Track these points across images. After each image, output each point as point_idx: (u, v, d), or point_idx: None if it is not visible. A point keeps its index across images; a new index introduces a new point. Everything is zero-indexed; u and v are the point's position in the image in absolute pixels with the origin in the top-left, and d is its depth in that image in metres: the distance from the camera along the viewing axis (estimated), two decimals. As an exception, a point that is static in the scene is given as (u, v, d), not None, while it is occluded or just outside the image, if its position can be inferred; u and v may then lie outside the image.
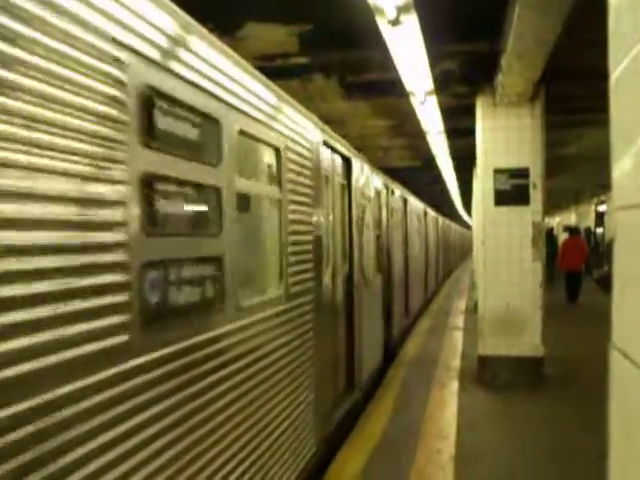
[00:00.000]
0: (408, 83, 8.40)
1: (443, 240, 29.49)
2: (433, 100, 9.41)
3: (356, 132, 13.13)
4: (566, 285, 18.83)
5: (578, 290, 18.59)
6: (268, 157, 4.97)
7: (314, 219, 5.96)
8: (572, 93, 10.06)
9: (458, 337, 13.37)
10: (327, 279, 6.76)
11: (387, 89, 9.43)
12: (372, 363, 9.18)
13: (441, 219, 28.75)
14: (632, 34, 1.34)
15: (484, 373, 9.22)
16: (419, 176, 20.82)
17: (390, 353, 11.15)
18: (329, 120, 8.88)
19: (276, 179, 4.98)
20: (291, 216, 5.16)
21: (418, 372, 10.05)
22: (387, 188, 11.61)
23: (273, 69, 8.23)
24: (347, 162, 8.04)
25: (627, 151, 1.38)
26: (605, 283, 18.86)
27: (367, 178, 9.23)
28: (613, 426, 1.57)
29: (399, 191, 13.51)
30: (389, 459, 6.28)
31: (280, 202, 4.98)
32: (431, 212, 22.75)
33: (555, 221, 39.45)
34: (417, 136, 12.97)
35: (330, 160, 7.09)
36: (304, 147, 5.65)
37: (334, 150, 7.24)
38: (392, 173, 13.81)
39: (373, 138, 14.40)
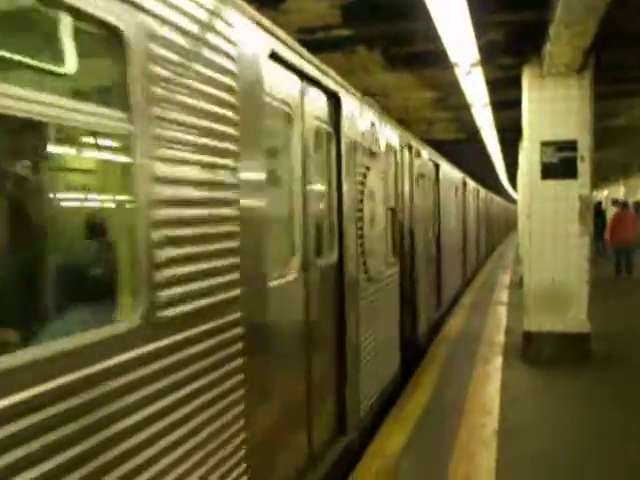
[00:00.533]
0: (453, 54, 8.23)
1: (485, 214, 27.53)
2: (478, 71, 9.22)
3: (400, 104, 12.97)
4: (616, 260, 18.48)
5: (630, 264, 18.24)
6: (79, 44, 2.48)
7: (246, 178, 3.52)
8: (623, 62, 9.77)
9: (502, 312, 13.22)
10: (290, 278, 4.44)
11: (431, 61, 9.28)
12: (379, 385, 6.91)
13: (483, 191, 26.68)
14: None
15: (529, 349, 9.10)
16: (463, 149, 20.56)
17: (414, 354, 9.10)
18: (372, 92, 8.79)
19: (115, 93, 2.63)
20: (164, 169, 2.74)
21: (461, 348, 9.98)
22: (410, 148, 9.18)
23: (315, 42, 8.14)
24: (335, 100, 5.49)
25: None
26: None
27: (373, 128, 6.73)
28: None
29: (427, 153, 10.99)
30: (432, 434, 6.26)
31: (128, 140, 2.61)
32: (471, 182, 20.53)
33: (603, 194, 38.66)
34: (462, 109, 12.76)
35: (296, 90, 4.62)
36: (216, 50, 3.26)
37: (304, 77, 4.72)
38: (436, 145, 13.62)
39: (417, 110, 14.22)
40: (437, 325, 11.66)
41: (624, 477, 5.36)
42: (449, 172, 14.17)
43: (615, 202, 20.75)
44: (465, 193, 18.03)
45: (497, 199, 38.93)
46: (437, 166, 12.24)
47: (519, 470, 5.45)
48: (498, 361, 9.01)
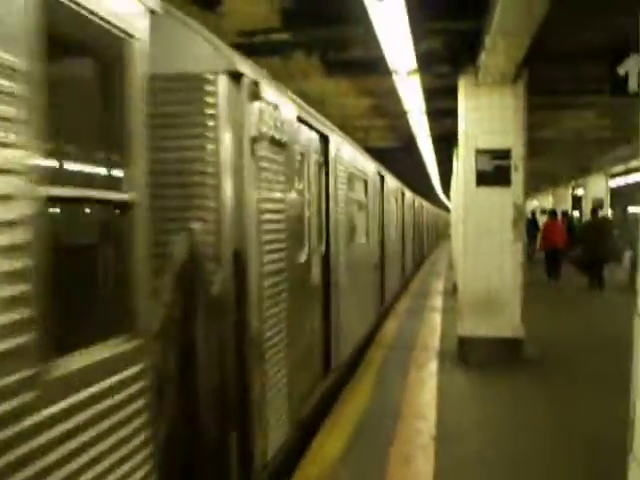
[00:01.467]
0: (391, 61, 8.29)
1: (413, 223, 23.35)
2: (416, 79, 9.31)
3: (337, 112, 13.01)
4: (546, 263, 19.98)
5: (559, 268, 19.70)
6: None
7: None
8: (553, 76, 10.03)
9: (437, 318, 13.36)
10: None
11: (369, 67, 9.33)
12: None
13: (410, 194, 21.87)
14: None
15: (463, 354, 9.20)
16: (399, 157, 20.77)
17: None
18: (310, 100, 8.77)
19: None
20: None
21: (397, 354, 10.02)
22: (234, 77, 4.41)
23: (253, 46, 8.08)
24: None
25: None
26: (579, 263, 20.22)
27: None
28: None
29: (307, 115, 6.46)
30: (369, 441, 6.24)
31: None
32: (393, 181, 15.78)
33: (532, 204, 39.66)
34: (398, 116, 12.89)
35: None
36: None
37: None
38: (372, 153, 13.71)
39: (354, 118, 14.30)
40: (325, 404, 7.13)
41: (558, 476, 5.46)
42: (352, 158, 9.24)
43: (543, 211, 22.30)
44: (384, 194, 13.62)
45: (427, 205, 37.71)
46: (325, 140, 7.46)
47: (457, 474, 5.47)
48: (433, 366, 9.07)
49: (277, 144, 5.10)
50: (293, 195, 5.67)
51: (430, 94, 10.69)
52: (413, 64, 8.46)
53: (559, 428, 6.50)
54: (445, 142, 16.32)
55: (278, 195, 5.17)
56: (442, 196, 45.21)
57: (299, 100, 6.22)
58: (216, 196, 4.22)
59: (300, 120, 6.09)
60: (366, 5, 5.97)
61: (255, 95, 4.67)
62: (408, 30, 6.93)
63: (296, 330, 5.76)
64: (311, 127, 6.71)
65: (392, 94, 10.44)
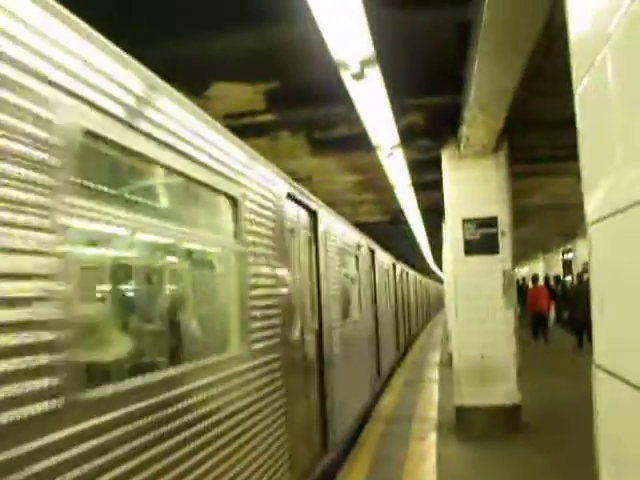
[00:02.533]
0: (374, 137, 8.51)
1: (395, 298, 19.81)
2: (399, 154, 9.53)
3: (325, 188, 13.24)
4: (532, 325, 21.28)
5: (546, 330, 20.96)
6: None
7: None
8: (533, 143, 10.29)
9: (434, 389, 13.25)
10: None
11: (354, 144, 9.54)
12: None
13: (383, 255, 16.81)
14: (593, 47, 1.38)
15: (461, 424, 9.12)
16: (389, 231, 20.96)
17: None
18: (297, 177, 8.96)
19: None
20: None
21: (395, 427, 9.91)
22: None
23: (240, 127, 8.30)
24: None
25: (598, 163, 1.41)
26: (570, 326, 20.77)
27: None
28: (602, 443, 1.56)
29: None
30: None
31: None
32: (335, 223, 9.34)
33: (524, 270, 39.82)
34: (385, 190, 13.10)
35: None
36: None
37: None
38: (361, 228, 13.86)
39: (342, 193, 14.52)
40: None
41: None
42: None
43: (532, 279, 22.93)
44: (317, 241, 7.96)
45: (417, 275, 34.67)
46: None
47: None
48: (432, 438, 8.97)
49: None
50: None
51: (415, 167, 10.91)
52: (396, 139, 8.69)
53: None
54: (433, 214, 16.51)
55: None
56: (435, 267, 45.24)
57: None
58: None
59: None
60: (346, 84, 6.20)
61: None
62: (389, 107, 7.17)
63: None
64: None
65: (378, 169, 10.66)
